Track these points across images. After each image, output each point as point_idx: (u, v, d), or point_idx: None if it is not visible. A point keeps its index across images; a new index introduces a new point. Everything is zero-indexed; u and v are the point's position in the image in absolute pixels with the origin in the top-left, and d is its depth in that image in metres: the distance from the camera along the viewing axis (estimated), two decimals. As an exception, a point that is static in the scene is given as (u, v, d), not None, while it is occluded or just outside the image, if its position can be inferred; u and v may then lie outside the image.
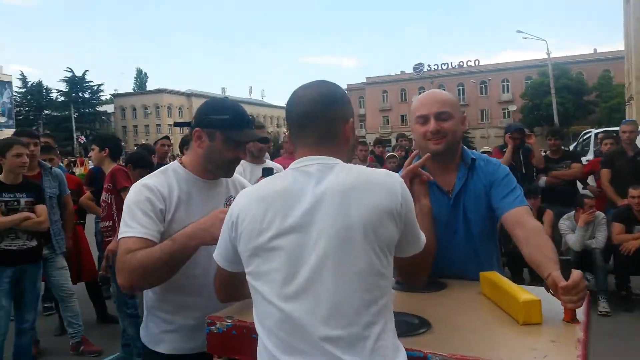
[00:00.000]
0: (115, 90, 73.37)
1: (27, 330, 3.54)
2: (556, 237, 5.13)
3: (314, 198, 1.16)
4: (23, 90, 60.51)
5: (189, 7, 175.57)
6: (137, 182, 1.68)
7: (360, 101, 67.41)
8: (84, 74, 62.29)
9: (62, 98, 60.87)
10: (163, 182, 1.65)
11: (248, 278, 1.24)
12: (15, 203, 3.46)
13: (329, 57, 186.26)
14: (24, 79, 61.12)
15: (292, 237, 1.16)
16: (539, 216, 5.29)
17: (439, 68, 62.10)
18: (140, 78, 79.51)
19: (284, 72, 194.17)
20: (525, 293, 1.41)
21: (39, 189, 3.69)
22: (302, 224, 1.15)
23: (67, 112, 56.49)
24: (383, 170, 1.28)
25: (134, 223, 1.54)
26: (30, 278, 3.54)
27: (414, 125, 1.87)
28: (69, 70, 61.47)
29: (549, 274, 1.43)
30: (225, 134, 1.66)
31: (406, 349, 1.20)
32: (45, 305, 5.13)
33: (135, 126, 68.87)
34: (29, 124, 51.26)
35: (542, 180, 5.70)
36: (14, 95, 57.42)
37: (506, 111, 56.41)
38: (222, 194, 1.80)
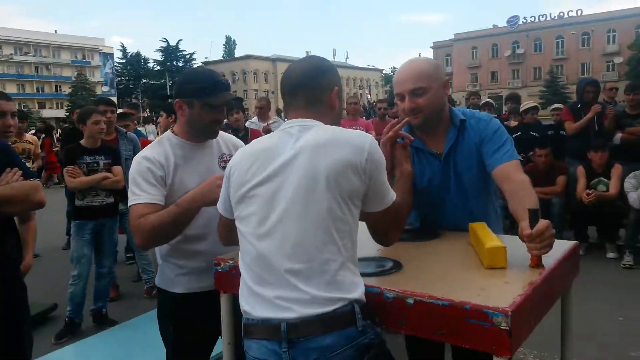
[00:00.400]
0: (206, 58, 76.35)
1: (105, 275, 4.08)
2: (622, 193, 4.90)
3: (291, 152, 1.35)
4: (123, 60, 64.88)
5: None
6: (137, 154, 1.90)
7: (447, 59, 64.76)
8: (177, 43, 65.41)
9: (158, 67, 64.52)
10: (160, 151, 1.86)
11: (236, 222, 1.45)
12: (95, 165, 3.93)
13: (417, 14, 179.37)
14: (124, 50, 65.44)
15: (267, 186, 1.35)
16: (607, 170, 5.04)
17: (536, 20, 57.73)
18: (229, 45, 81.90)
19: (369, 32, 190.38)
20: (494, 240, 1.49)
21: (116, 152, 4.14)
22: (277, 174, 1.35)
23: (162, 81, 59.94)
24: (357, 131, 1.41)
25: (140, 191, 1.77)
26: (108, 230, 4.04)
27: (397, 102, 1.93)
28: (164, 40, 64.82)
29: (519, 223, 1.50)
30: (201, 100, 1.83)
31: (366, 285, 1.35)
32: (127, 255, 5.79)
33: (226, 92, 71.60)
34: (129, 93, 55.34)
35: (617, 136, 5.38)
36: (115, 66, 61.83)
37: (610, 64, 51.65)
38: (214, 153, 1.97)
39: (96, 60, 61.29)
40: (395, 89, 1.88)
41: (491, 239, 1.51)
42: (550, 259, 1.46)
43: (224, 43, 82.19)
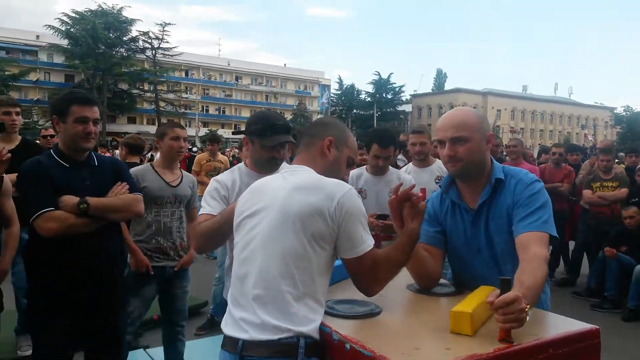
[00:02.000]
0: (414, 90, 77.98)
1: None
2: None
3: (276, 192, 1.57)
4: (339, 92, 70.29)
5: (487, 4, 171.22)
6: (213, 178, 2.34)
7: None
8: (389, 76, 68.31)
9: (369, 99, 68.16)
10: (229, 177, 2.27)
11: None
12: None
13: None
14: (340, 82, 70.94)
15: (253, 219, 1.60)
16: None
17: None
18: (440, 78, 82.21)
19: (599, 65, 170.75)
20: (467, 305, 1.42)
21: None
22: (262, 210, 1.58)
23: (371, 112, 63.16)
24: (336, 181, 1.56)
25: (206, 205, 2.17)
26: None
27: (438, 148, 1.91)
28: (377, 73, 68.30)
29: None
30: (259, 140, 2.19)
31: (322, 324, 1.45)
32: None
33: (429, 124, 71.74)
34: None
35: None
36: (331, 97, 67.40)
37: None
38: None
39: (315, 91, 67.80)
40: (437, 134, 1.89)
41: (466, 303, 1.44)
42: (534, 337, 1.34)
43: (435, 76, 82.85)
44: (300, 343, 1.40)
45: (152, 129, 51.45)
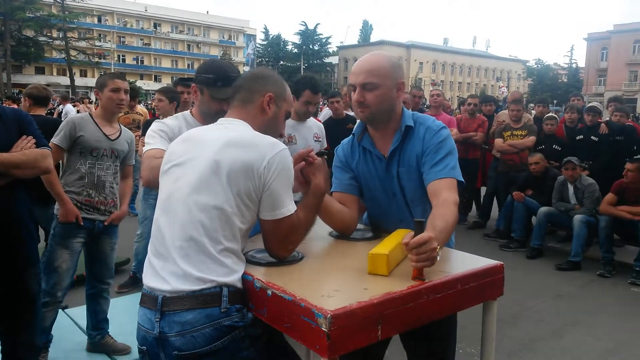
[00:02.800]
0: (341, 42, 77.71)
1: None
2: None
3: (209, 145, 1.52)
4: (265, 42, 68.58)
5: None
6: (161, 120, 2.18)
7: (602, 53, 58.35)
8: (315, 27, 67.45)
9: (296, 50, 67.18)
10: (174, 123, 2.11)
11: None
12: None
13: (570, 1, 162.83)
14: (266, 32, 69.15)
15: (180, 168, 1.54)
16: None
17: None
18: (365, 30, 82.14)
19: (514, 20, 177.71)
20: (383, 247, 1.49)
21: None
22: (190, 160, 1.53)
23: (297, 63, 62.37)
24: (270, 140, 1.53)
25: (152, 141, 2.00)
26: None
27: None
28: (303, 23, 67.19)
29: None
30: (209, 90, 2.04)
31: (245, 273, 1.46)
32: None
33: (356, 77, 72.17)
34: (266, 73, 58.50)
35: None
36: (257, 47, 65.60)
37: None
38: None
39: (240, 41, 65.67)
40: (350, 79, 1.90)
41: (383, 246, 1.51)
42: (444, 274, 1.43)
43: (361, 28, 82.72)
44: (223, 292, 1.40)
45: (64, 80, 47.99)
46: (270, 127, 1.67)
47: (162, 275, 1.45)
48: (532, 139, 6.16)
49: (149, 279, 1.49)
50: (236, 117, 1.64)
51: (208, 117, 2.08)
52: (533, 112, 8.05)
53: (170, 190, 1.53)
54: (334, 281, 1.43)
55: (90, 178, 2.93)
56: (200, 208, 1.45)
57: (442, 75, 75.96)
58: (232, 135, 1.52)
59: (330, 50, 71.03)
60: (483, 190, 7.10)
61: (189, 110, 2.21)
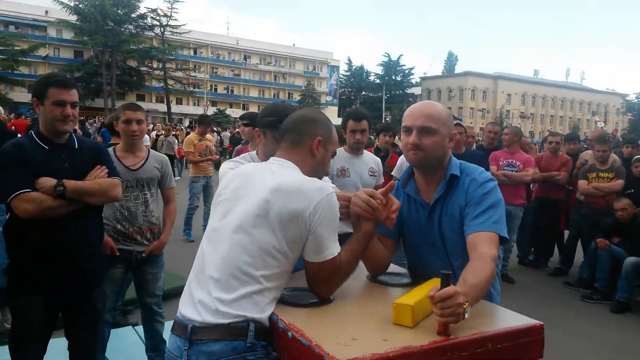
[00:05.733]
0: (424, 73, 77.30)
1: None
2: None
3: (259, 183, 1.60)
4: (348, 73, 69.86)
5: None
6: (228, 160, 2.21)
7: None
8: (398, 58, 67.75)
9: (378, 81, 67.71)
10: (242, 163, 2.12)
11: None
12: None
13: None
14: (349, 63, 70.48)
15: (229, 202, 1.63)
16: None
17: None
18: (450, 61, 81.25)
19: (611, 51, 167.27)
20: (410, 298, 1.46)
21: None
22: (241, 198, 1.61)
23: (380, 94, 62.73)
24: (318, 184, 1.59)
25: None
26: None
27: (401, 135, 1.89)
28: (386, 55, 67.81)
29: None
30: (272, 132, 2.04)
31: (272, 314, 1.49)
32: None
33: (439, 108, 70.98)
34: (349, 103, 59.43)
35: None
36: (340, 78, 66.93)
37: None
38: None
39: (324, 72, 67.31)
40: (405, 121, 1.86)
41: (411, 296, 1.48)
42: (473, 330, 1.38)
43: (445, 59, 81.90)
44: (250, 327, 1.45)
45: (161, 107, 51.66)
46: (319, 170, 1.73)
47: (195, 304, 1.52)
48: (619, 182, 5.73)
49: (183, 306, 1.56)
50: (286, 158, 1.69)
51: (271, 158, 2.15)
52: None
53: (218, 223, 1.62)
54: (355, 328, 1.42)
55: (121, 210, 3.02)
56: (243, 246, 1.51)
57: (532, 108, 73.02)
58: (282, 180, 1.57)
59: (413, 81, 70.87)
60: (567, 234, 6.67)
61: (255, 151, 2.23)
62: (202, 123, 7.48)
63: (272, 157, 1.75)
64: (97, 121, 24.93)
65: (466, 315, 1.36)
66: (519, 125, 45.35)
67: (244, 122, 4.68)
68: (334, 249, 1.57)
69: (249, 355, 1.43)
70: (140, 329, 3.86)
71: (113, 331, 3.25)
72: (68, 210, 2.31)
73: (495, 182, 1.83)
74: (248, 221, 1.53)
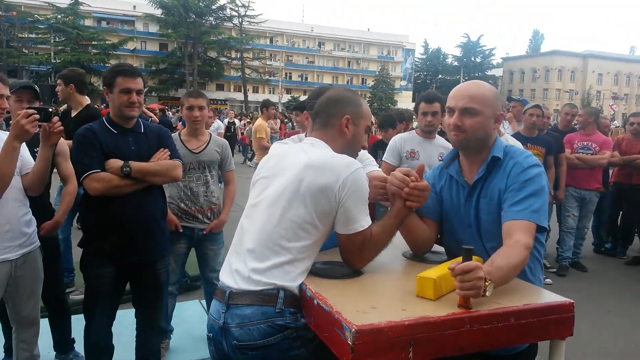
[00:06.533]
0: (506, 53, 73.78)
1: None
2: None
3: (293, 161, 1.71)
4: (424, 56, 68.16)
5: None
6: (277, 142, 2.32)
7: None
8: (478, 39, 65.14)
9: (456, 63, 65.53)
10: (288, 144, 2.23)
11: None
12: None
13: None
14: (425, 45, 68.70)
15: (266, 180, 1.76)
16: None
17: None
18: (536, 40, 76.83)
19: None
20: (434, 271, 1.48)
21: None
22: (276, 175, 1.73)
23: (457, 77, 60.67)
24: (346, 161, 1.65)
25: None
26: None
27: (446, 115, 1.88)
28: (465, 35, 65.39)
29: None
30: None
31: (302, 283, 1.59)
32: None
33: (521, 90, 67.74)
34: (425, 87, 58.08)
35: None
36: (416, 61, 65.48)
37: None
38: None
39: (399, 56, 66.11)
40: (449, 101, 1.86)
41: (436, 270, 1.50)
42: (497, 305, 1.39)
43: (530, 37, 77.49)
44: (280, 294, 1.55)
45: (239, 96, 53.37)
46: (352, 146, 1.79)
47: (233, 273, 1.65)
48: None
49: (223, 275, 1.70)
50: (318, 137, 1.78)
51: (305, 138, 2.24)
52: None
53: (256, 199, 1.74)
54: (378, 299, 1.47)
55: (185, 190, 3.27)
56: (277, 219, 1.62)
57: (626, 88, 67.46)
58: (311, 158, 1.66)
59: (494, 62, 67.87)
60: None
61: (304, 134, 2.30)
62: (267, 106, 7.64)
63: (306, 138, 1.84)
64: (179, 111, 26.28)
65: (487, 293, 1.37)
66: (611, 107, 41.98)
67: (295, 112, 4.80)
68: (363, 221, 1.63)
69: (277, 320, 1.54)
70: (205, 302, 4.14)
71: (180, 304, 3.50)
72: (133, 189, 2.53)
73: (541, 169, 1.77)
74: (282, 196, 1.63)
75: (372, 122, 1.85)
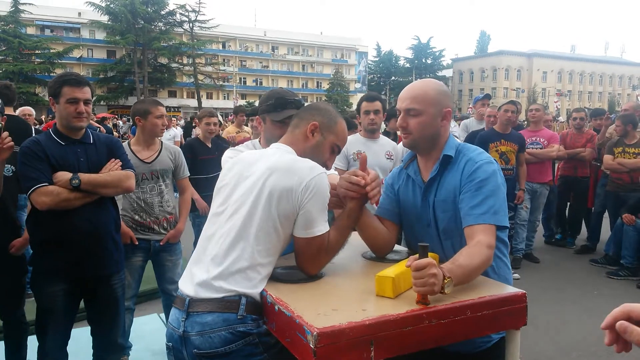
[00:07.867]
0: (455, 54, 75.74)
1: None
2: None
3: (255, 168, 1.70)
4: (377, 59, 69.04)
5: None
6: (231, 148, 2.25)
7: None
8: (428, 41, 66.49)
9: (407, 65, 66.74)
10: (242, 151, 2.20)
11: None
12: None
13: None
14: (378, 48, 69.61)
15: (230, 188, 1.72)
16: None
17: None
18: (483, 41, 79.16)
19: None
20: (390, 270, 1.51)
21: None
22: (240, 182, 1.70)
23: (410, 78, 61.78)
24: (309, 165, 1.66)
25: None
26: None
27: None
28: (416, 38, 66.70)
29: None
30: (270, 116, 2.12)
31: (263, 290, 1.58)
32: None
33: (471, 90, 69.65)
34: (378, 89, 58.91)
35: None
36: (369, 64, 66.27)
37: None
38: None
39: (352, 59, 66.80)
40: (397, 103, 1.90)
41: (394, 268, 1.53)
42: (454, 299, 1.43)
43: (478, 38, 79.91)
44: (242, 300, 1.54)
45: (192, 102, 52.46)
46: (313, 155, 1.77)
47: (194, 281, 1.62)
48: (645, 158, 5.56)
49: (183, 283, 1.67)
50: (285, 142, 1.81)
51: (272, 143, 2.20)
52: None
53: (220, 208, 1.71)
54: (337, 301, 1.48)
55: (138, 202, 3.19)
56: (242, 225, 1.60)
57: (569, 85, 70.61)
58: (275, 161, 1.67)
59: (445, 64, 69.54)
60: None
61: (258, 140, 2.29)
62: (239, 113, 7.53)
63: (272, 144, 1.84)
64: (130, 119, 25.54)
65: (446, 290, 1.41)
66: (555, 104, 43.69)
67: (250, 118, 4.77)
68: (322, 226, 1.64)
69: (239, 327, 1.52)
70: (164, 315, 4.04)
71: (137, 318, 3.41)
72: (83, 202, 2.45)
73: (495, 165, 1.79)
74: (246, 202, 1.63)
75: (338, 147, 1.85)
